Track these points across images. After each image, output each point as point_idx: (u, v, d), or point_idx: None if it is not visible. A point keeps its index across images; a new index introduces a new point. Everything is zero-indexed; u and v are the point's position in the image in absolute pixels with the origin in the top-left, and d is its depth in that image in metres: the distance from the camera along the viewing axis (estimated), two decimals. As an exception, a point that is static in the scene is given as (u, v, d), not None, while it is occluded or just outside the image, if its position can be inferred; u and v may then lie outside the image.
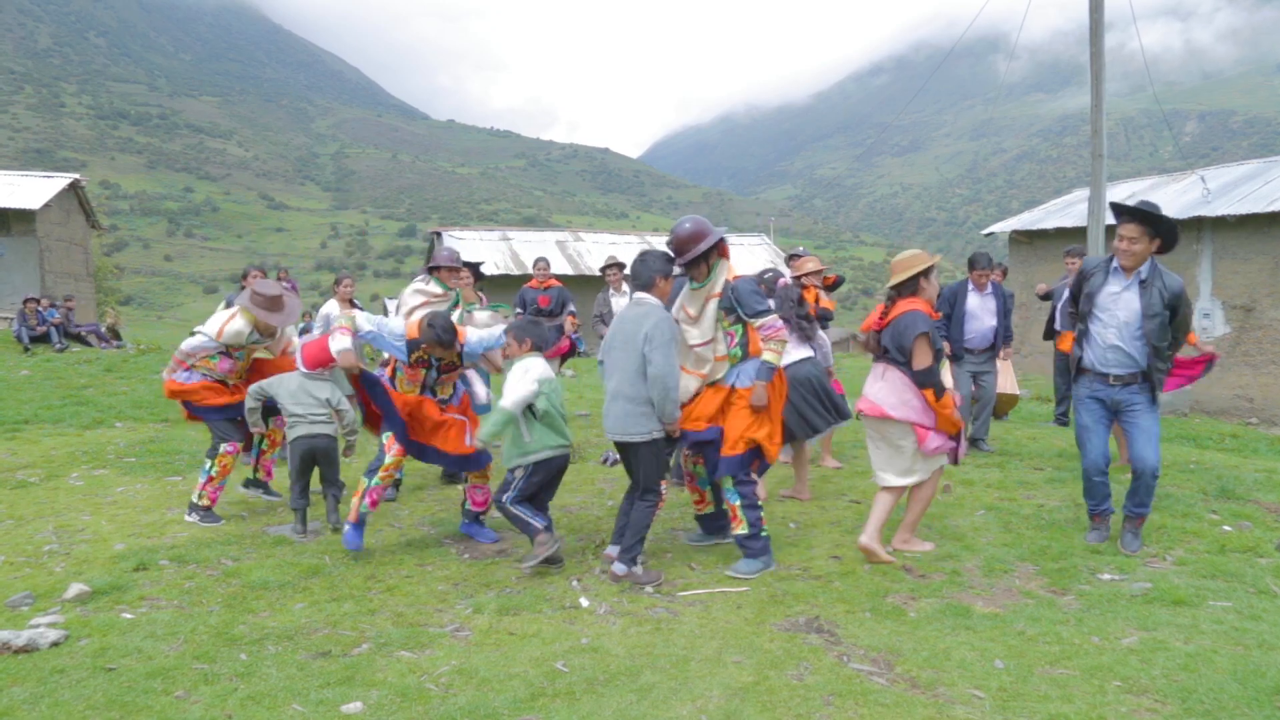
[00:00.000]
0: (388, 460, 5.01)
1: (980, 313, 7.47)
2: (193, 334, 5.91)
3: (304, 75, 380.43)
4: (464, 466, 5.28)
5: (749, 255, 27.12)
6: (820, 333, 6.69)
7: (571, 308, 9.92)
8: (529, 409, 4.65)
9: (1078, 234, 14.90)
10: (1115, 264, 4.82)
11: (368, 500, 4.95)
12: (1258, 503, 5.89)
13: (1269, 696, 3.16)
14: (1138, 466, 4.77)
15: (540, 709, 3.13)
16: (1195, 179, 17.47)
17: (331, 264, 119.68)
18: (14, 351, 15.63)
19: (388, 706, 3.15)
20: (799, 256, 7.61)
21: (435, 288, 6.45)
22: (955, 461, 4.92)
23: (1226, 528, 5.32)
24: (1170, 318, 4.72)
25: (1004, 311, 7.65)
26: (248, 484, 6.25)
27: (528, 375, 4.67)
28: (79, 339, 17.07)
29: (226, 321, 5.72)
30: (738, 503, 4.58)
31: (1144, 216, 4.67)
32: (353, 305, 9.39)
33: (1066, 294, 8.80)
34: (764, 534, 4.62)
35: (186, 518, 5.65)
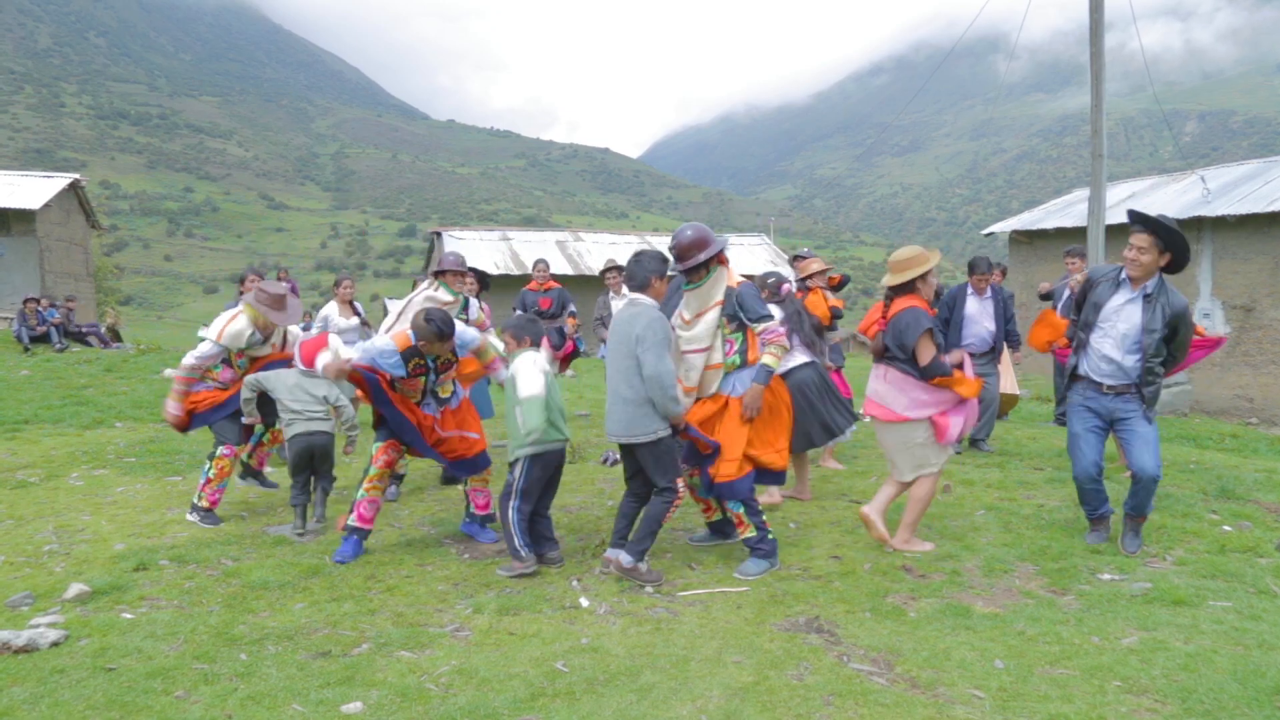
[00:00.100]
0: (373, 471, 4.98)
1: (980, 317, 7.47)
2: (200, 340, 5.88)
3: (304, 75, 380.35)
4: (464, 470, 5.26)
5: (749, 255, 27.14)
6: (828, 335, 6.72)
7: (572, 308, 9.94)
8: None
9: (1078, 234, 14.91)
10: (1123, 275, 4.77)
11: (355, 515, 4.89)
12: (1258, 503, 5.89)
13: (1269, 696, 3.16)
14: (1138, 474, 4.75)
15: (540, 709, 3.13)
16: (1195, 179, 17.49)
17: (331, 264, 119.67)
18: (14, 351, 15.64)
19: (388, 706, 3.15)
20: (803, 258, 7.61)
21: (445, 294, 6.46)
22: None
23: (1226, 528, 5.32)
24: (1170, 336, 4.68)
25: (1005, 315, 7.65)
26: (244, 475, 6.24)
27: (535, 365, 4.68)
28: (80, 339, 17.07)
29: (228, 323, 5.70)
30: (741, 510, 4.61)
31: (1157, 228, 4.60)
32: (352, 307, 9.39)
33: (1067, 294, 8.84)
34: (771, 535, 4.66)
35: (188, 516, 5.66)
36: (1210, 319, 14.78)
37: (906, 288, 4.83)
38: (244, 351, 5.78)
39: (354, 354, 4.86)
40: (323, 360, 4.85)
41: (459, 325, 5.13)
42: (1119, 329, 4.73)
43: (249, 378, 5.56)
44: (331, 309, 9.34)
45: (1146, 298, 4.68)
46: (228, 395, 5.76)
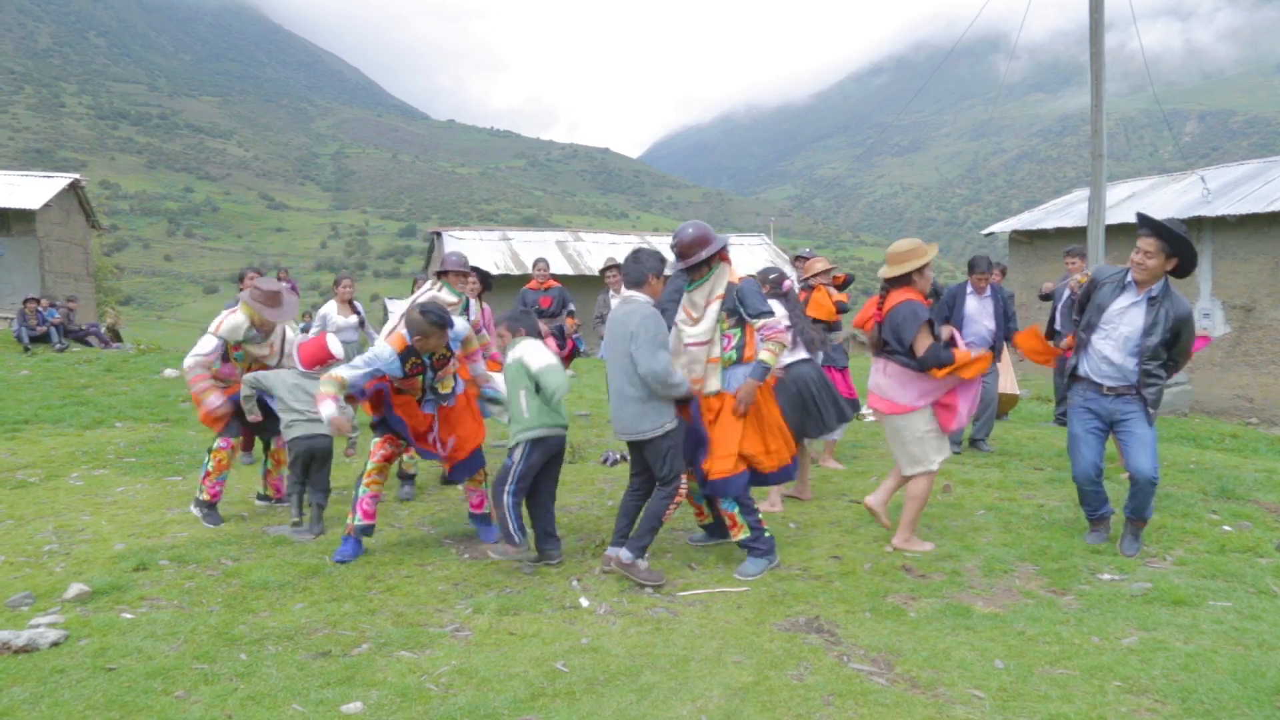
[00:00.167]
0: (371, 465, 4.97)
1: (979, 316, 7.46)
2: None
3: (304, 75, 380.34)
4: (460, 472, 5.27)
5: (749, 255, 27.15)
6: (831, 336, 6.74)
7: (571, 307, 9.95)
8: (535, 387, 4.65)
9: (1078, 234, 14.91)
10: (1129, 277, 4.74)
11: (360, 512, 4.88)
12: (1258, 503, 5.89)
13: (1269, 696, 3.16)
14: (1134, 475, 4.75)
15: (540, 709, 3.13)
16: (1195, 179, 17.49)
17: (331, 264, 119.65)
18: (14, 351, 15.63)
19: (388, 706, 3.15)
20: (805, 259, 7.64)
21: (449, 295, 6.47)
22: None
23: (1226, 528, 5.32)
24: (1171, 341, 4.66)
25: (1005, 314, 7.65)
26: (260, 499, 6.21)
27: (538, 348, 4.71)
28: (80, 339, 17.07)
29: (225, 317, 5.78)
30: (735, 510, 4.59)
31: (1164, 233, 4.57)
32: (352, 306, 9.40)
33: (1067, 294, 8.85)
34: (767, 534, 4.64)
35: (190, 509, 5.70)
36: (1210, 319, 14.78)
37: (903, 280, 4.84)
38: (241, 344, 5.79)
39: (352, 372, 4.75)
40: (327, 412, 4.68)
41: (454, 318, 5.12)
42: (1121, 331, 4.72)
43: (248, 376, 5.58)
44: (330, 308, 9.35)
45: (1151, 300, 4.66)
46: (228, 393, 5.78)
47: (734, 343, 4.61)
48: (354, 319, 9.32)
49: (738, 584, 4.46)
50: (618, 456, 7.13)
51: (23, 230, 21.24)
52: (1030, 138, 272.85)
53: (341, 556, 4.81)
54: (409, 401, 5.01)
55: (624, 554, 4.45)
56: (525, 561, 4.72)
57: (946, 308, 7.42)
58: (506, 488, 4.63)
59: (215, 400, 5.64)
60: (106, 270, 39.02)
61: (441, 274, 6.54)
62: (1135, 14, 12.91)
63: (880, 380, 4.92)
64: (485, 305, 7.15)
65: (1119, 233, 15.01)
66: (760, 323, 4.56)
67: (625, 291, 4.66)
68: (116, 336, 18.78)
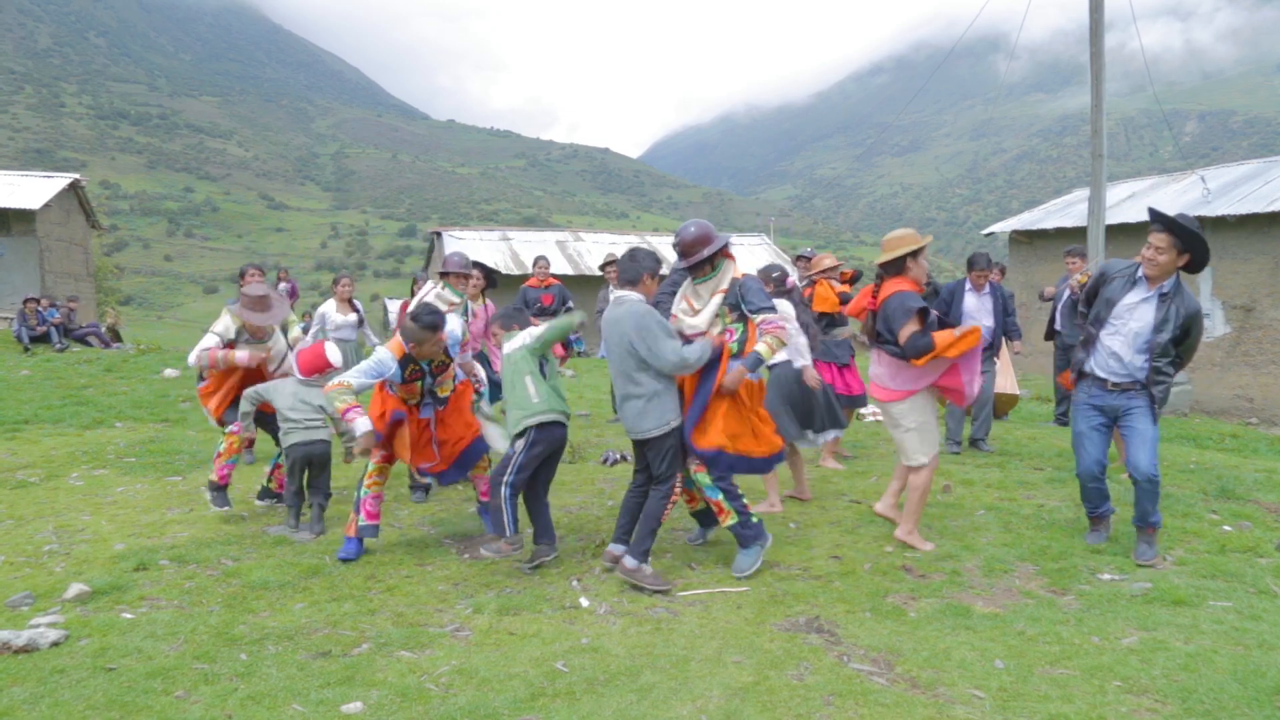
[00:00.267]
0: (371, 467, 4.97)
1: (977, 313, 7.47)
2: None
3: (304, 75, 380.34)
4: (464, 465, 5.25)
5: (749, 255, 27.15)
6: (836, 330, 6.77)
7: (571, 305, 9.95)
8: (539, 369, 4.65)
9: (1078, 234, 14.91)
10: (1139, 272, 4.68)
11: (364, 513, 4.90)
12: (1258, 503, 5.89)
13: (1269, 696, 3.16)
14: (1132, 472, 4.74)
15: (540, 709, 3.13)
16: (1195, 179, 17.48)
17: (331, 264, 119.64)
18: (14, 351, 15.63)
19: (388, 706, 3.15)
20: (806, 258, 7.69)
21: (452, 295, 6.48)
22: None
23: (1226, 528, 5.32)
24: (1180, 338, 4.63)
25: (1004, 311, 7.65)
26: (262, 495, 6.21)
27: (535, 329, 4.74)
28: (80, 339, 17.06)
29: (217, 320, 6.03)
30: (719, 497, 4.56)
31: (1176, 229, 4.52)
32: (351, 304, 9.42)
33: (1067, 294, 8.85)
34: (755, 519, 4.62)
35: (201, 488, 5.97)
36: (1210, 319, 14.78)
37: (897, 267, 4.83)
38: (234, 345, 5.96)
39: (360, 380, 4.76)
40: (362, 428, 4.68)
41: (447, 321, 5.09)
42: (1130, 327, 4.67)
43: (249, 390, 5.70)
44: (329, 307, 9.38)
45: (1162, 297, 4.60)
46: (228, 389, 5.99)
47: (736, 336, 4.63)
48: (353, 317, 9.35)
49: (738, 584, 4.46)
50: (618, 456, 7.14)
51: (23, 230, 21.23)
52: (1030, 138, 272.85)
53: (345, 555, 4.83)
54: (406, 427, 4.99)
55: (628, 561, 4.44)
56: (524, 563, 4.71)
57: (945, 303, 7.43)
58: (505, 478, 4.60)
59: (241, 355, 5.88)
60: (106, 270, 39.03)
61: (444, 275, 6.56)
62: (1135, 14, 12.91)
63: (876, 369, 4.98)
64: (488, 302, 7.16)
65: (1119, 233, 15.02)
66: (761, 317, 4.56)
67: (619, 291, 4.65)
68: (116, 336, 18.77)
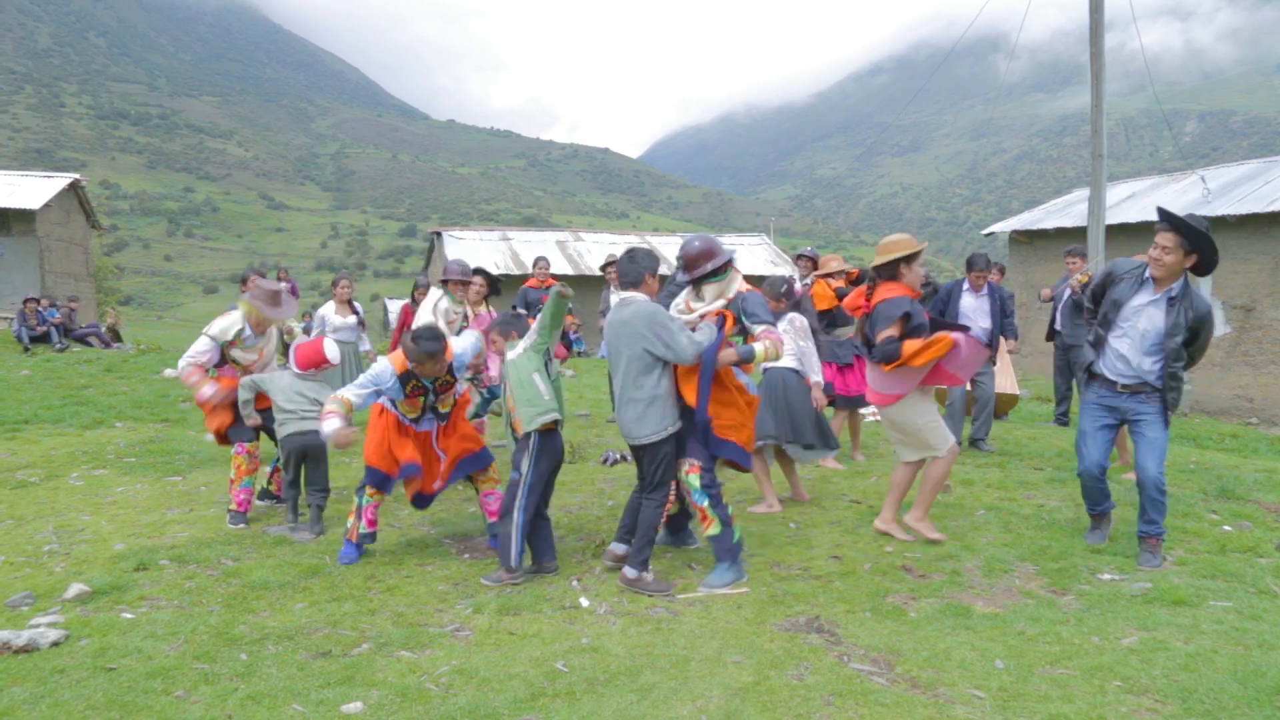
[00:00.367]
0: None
1: (975, 314, 7.46)
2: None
3: (304, 75, 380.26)
4: (470, 467, 5.18)
5: (749, 255, 27.15)
6: (839, 331, 6.79)
7: (570, 306, 9.94)
8: (545, 368, 4.63)
9: (1078, 234, 14.90)
10: (1147, 273, 4.61)
11: (365, 520, 4.87)
12: (1258, 503, 5.89)
13: (1269, 696, 3.16)
14: (1139, 477, 4.71)
15: (540, 709, 3.13)
16: (1195, 179, 17.49)
17: (331, 264, 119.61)
18: (14, 351, 15.63)
19: (388, 706, 3.15)
20: (807, 257, 7.72)
21: (451, 304, 6.49)
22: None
23: (1226, 528, 5.32)
24: (1190, 339, 4.57)
25: (1002, 311, 7.65)
26: (262, 496, 6.20)
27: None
28: (81, 340, 17.07)
29: (220, 317, 5.81)
30: (705, 503, 4.50)
31: (1183, 228, 4.44)
32: (350, 306, 9.42)
33: (1067, 294, 8.84)
34: (737, 538, 4.51)
35: (202, 488, 5.95)
36: (1210, 319, 14.78)
37: (891, 271, 4.84)
38: (235, 342, 5.75)
39: (358, 394, 4.73)
40: (329, 429, 4.62)
41: (459, 343, 5.04)
42: (1139, 328, 4.60)
43: (245, 379, 5.62)
44: (329, 308, 9.38)
45: (1171, 301, 4.53)
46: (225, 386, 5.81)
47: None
48: (352, 319, 9.35)
49: (737, 585, 4.45)
50: (618, 456, 7.14)
51: (23, 230, 21.24)
52: (1030, 138, 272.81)
53: (346, 558, 4.82)
54: (408, 430, 4.97)
55: (628, 571, 4.40)
56: (524, 569, 4.69)
57: (942, 303, 7.44)
58: (518, 503, 4.54)
59: (208, 390, 5.65)
60: (107, 270, 39.04)
61: (444, 282, 6.58)
62: (1135, 14, 12.91)
63: (869, 374, 5.01)
64: (491, 309, 7.16)
65: (1119, 233, 15.01)
66: (760, 328, 4.57)
67: (622, 293, 4.64)
68: (117, 336, 18.78)
